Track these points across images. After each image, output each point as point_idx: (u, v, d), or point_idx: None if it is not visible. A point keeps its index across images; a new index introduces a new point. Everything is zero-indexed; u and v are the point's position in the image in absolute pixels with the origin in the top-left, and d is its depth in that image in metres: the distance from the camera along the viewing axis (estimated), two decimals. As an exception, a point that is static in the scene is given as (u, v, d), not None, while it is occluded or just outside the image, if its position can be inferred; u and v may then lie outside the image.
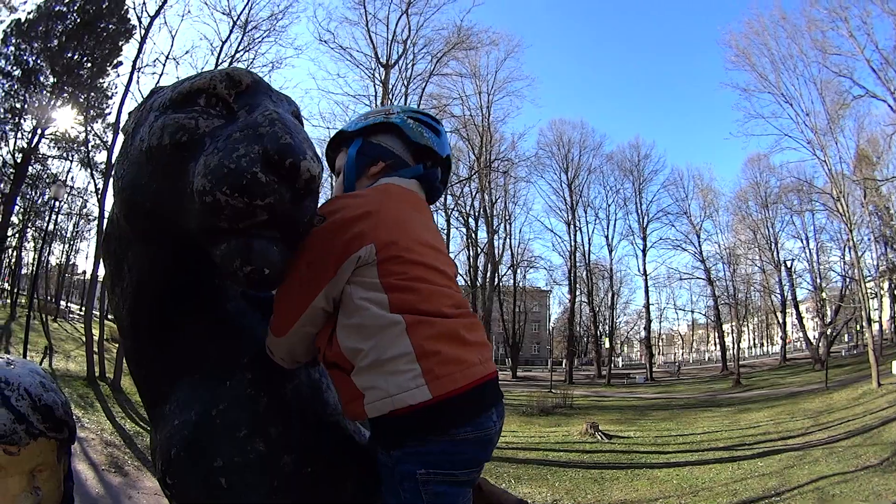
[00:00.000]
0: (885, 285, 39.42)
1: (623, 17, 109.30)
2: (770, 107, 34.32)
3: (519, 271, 53.60)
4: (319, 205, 1.58)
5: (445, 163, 1.93)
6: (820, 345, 39.68)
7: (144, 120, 1.59)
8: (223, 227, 1.33)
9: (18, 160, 29.75)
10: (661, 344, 74.06)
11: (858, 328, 41.72)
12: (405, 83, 30.30)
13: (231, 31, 27.66)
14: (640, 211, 52.74)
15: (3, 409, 1.27)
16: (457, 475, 1.45)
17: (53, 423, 1.36)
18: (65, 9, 30.96)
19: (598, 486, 13.24)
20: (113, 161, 21.43)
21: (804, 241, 45.76)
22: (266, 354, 1.63)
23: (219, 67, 1.75)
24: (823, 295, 43.45)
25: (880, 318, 36.40)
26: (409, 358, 1.42)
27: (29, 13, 30.16)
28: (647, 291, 52.41)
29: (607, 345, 54.28)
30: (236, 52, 27.85)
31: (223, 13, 27.95)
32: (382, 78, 29.71)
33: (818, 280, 44.64)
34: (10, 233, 33.18)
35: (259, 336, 1.65)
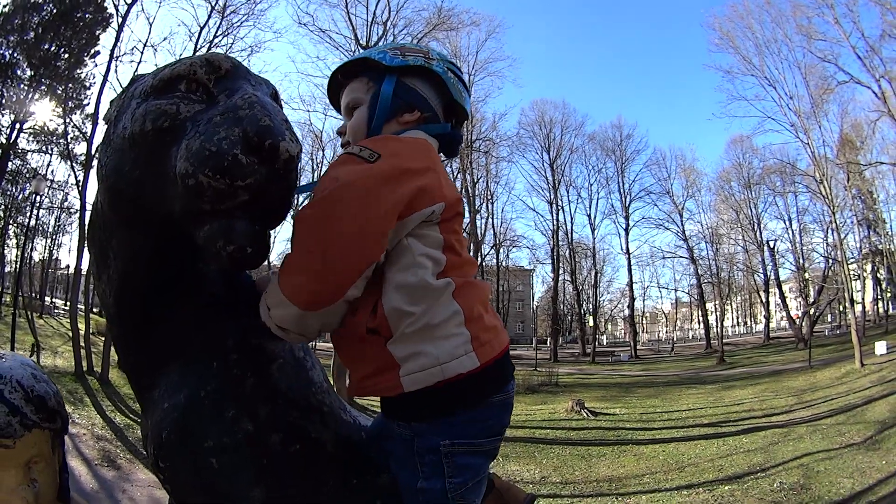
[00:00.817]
0: (868, 268, 39.77)
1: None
2: (753, 89, 34.32)
3: (502, 251, 53.37)
4: (350, 144, 1.62)
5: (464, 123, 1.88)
6: (803, 324, 40.06)
7: (126, 107, 1.60)
8: (206, 209, 1.35)
9: (-2, 156, 29.19)
10: (644, 322, 74.46)
11: (841, 308, 42.20)
12: (385, 65, 29.68)
13: (209, 16, 27.42)
14: (622, 190, 52.92)
15: None
16: (482, 444, 1.44)
17: (47, 414, 1.35)
18: (41, 0, 30.37)
19: (585, 463, 13.29)
20: (94, 151, 21.38)
21: (787, 222, 46.14)
22: (250, 336, 1.65)
23: (198, 53, 1.73)
24: (806, 275, 43.83)
25: (863, 299, 36.75)
26: (458, 321, 1.40)
27: (4, 6, 29.48)
28: (630, 270, 52.76)
29: (591, 323, 54.49)
30: (214, 37, 27.65)
31: None
32: (363, 60, 29.41)
33: (801, 261, 45.07)
34: (-8, 230, 32.78)
35: (242, 319, 1.64)
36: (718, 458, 12.72)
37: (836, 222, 31.22)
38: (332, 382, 1.96)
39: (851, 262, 35.55)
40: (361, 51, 2.05)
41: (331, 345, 1.69)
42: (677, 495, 10.52)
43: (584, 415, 19.56)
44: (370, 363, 1.42)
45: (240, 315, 1.66)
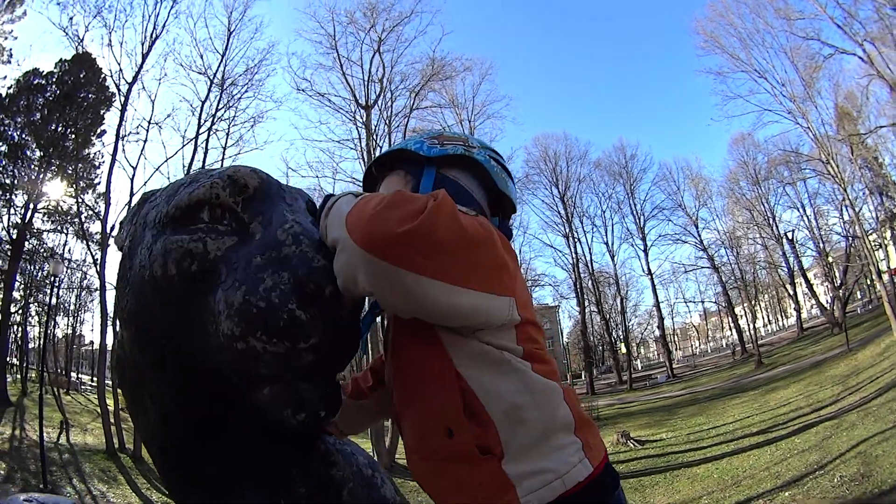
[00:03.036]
0: (888, 234, 39.32)
1: (588, 22, 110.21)
2: (746, 84, 34.29)
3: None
4: None
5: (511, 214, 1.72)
6: (835, 308, 39.61)
7: (141, 238, 1.44)
8: (263, 373, 1.21)
9: (14, 236, 29.77)
10: (676, 339, 73.84)
11: (869, 283, 41.70)
12: (387, 122, 30.26)
13: (209, 90, 28.20)
14: (635, 212, 52.44)
15: None
16: None
17: None
18: (43, 81, 31.26)
19: (639, 495, 13.03)
20: (109, 231, 21.83)
21: (801, 210, 45.50)
22: (314, 463, 1.52)
23: (223, 168, 1.47)
24: (829, 259, 43.43)
25: (889, 267, 36.20)
26: (569, 428, 1.25)
27: (9, 88, 30.50)
28: (654, 290, 52.19)
29: (623, 350, 54.07)
30: (217, 110, 28.28)
31: (199, 73, 28.36)
32: (364, 119, 29.67)
33: (821, 245, 44.43)
34: (13, 309, 33.08)
35: (301, 445, 1.50)
36: (773, 464, 12.47)
37: (848, 198, 31.10)
38: (399, 494, 1.80)
39: (871, 234, 35.20)
40: (396, 142, 1.94)
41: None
42: (737, 511, 10.37)
43: (631, 445, 19.29)
44: (480, 489, 1.20)
45: (298, 441, 1.50)
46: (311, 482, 1.49)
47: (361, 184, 1.77)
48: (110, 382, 26.76)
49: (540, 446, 1.20)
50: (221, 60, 28.31)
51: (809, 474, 11.04)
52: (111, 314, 24.61)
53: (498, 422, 1.19)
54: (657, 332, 56.18)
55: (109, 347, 25.87)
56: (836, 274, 41.44)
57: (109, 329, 24.94)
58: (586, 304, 53.01)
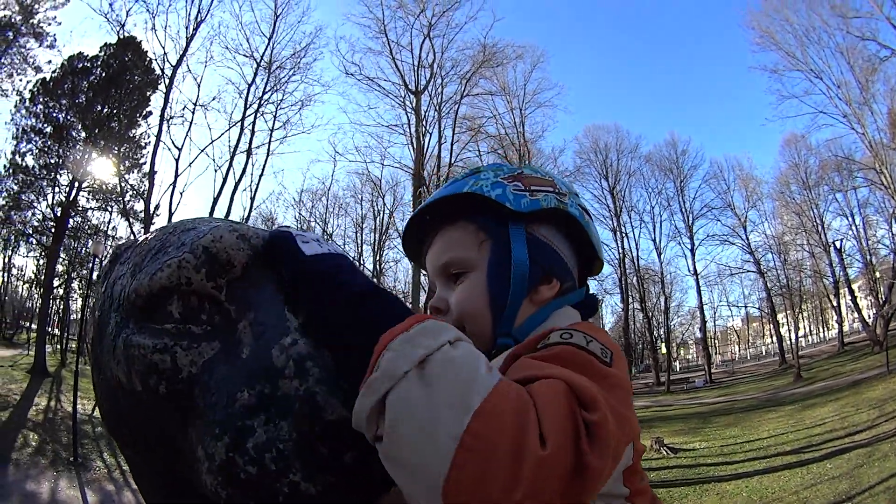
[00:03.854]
0: (938, 253, 38.51)
1: (642, 13, 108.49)
2: (801, 84, 33.81)
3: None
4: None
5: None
6: (877, 325, 38.76)
7: (107, 317, 1.10)
8: None
9: (58, 214, 30.30)
10: (716, 342, 73.06)
11: (915, 302, 40.90)
12: (437, 108, 30.28)
13: (255, 74, 28.46)
14: (684, 210, 51.69)
15: None
16: None
17: None
18: (88, 65, 31.90)
19: (666, 506, 12.95)
20: (152, 209, 21.85)
21: (850, 218, 44.50)
22: None
23: (201, 232, 1.05)
24: (876, 273, 42.55)
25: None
26: None
27: (53, 71, 31.17)
28: (699, 291, 51.42)
29: (664, 350, 53.55)
30: (264, 93, 28.50)
31: (245, 56, 28.60)
32: (414, 105, 29.94)
33: (868, 257, 43.58)
34: (56, 282, 34.00)
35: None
36: (803, 489, 12.33)
37: (899, 210, 30.52)
38: None
39: (919, 251, 34.51)
40: (456, 178, 1.27)
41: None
42: (763, 538, 10.24)
43: (664, 453, 19.23)
44: None
45: None
46: None
47: (402, 236, 1.38)
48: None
49: None
50: (268, 44, 28.62)
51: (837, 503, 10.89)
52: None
53: None
54: (698, 334, 55.68)
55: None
56: (881, 289, 40.60)
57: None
58: (630, 300, 52.69)
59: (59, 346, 37.22)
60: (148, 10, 26.61)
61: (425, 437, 0.67)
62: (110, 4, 27.11)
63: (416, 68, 30.25)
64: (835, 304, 47.98)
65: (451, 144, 30.09)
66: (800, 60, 32.25)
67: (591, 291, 1.31)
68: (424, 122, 29.40)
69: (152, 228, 1.30)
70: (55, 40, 30.87)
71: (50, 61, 31.11)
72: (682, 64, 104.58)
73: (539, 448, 0.65)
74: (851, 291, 45.40)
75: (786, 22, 33.02)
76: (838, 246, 44.76)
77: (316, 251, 0.98)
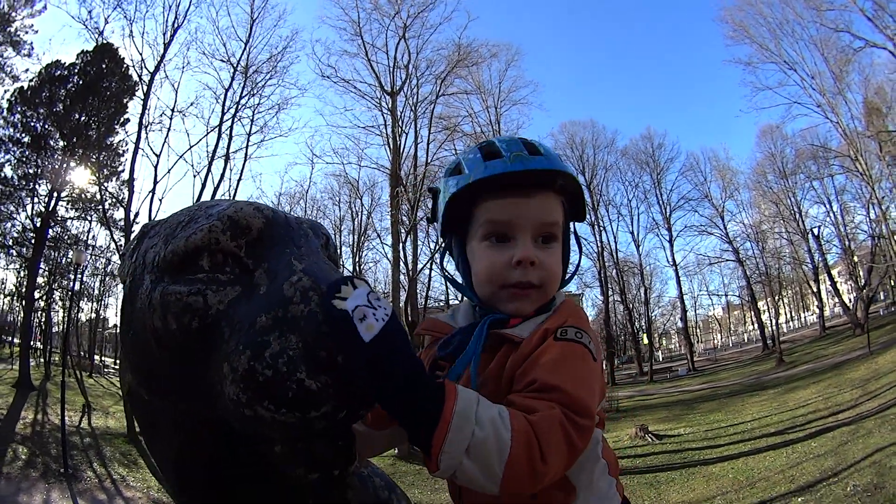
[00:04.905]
0: (915, 235, 38.96)
1: (616, 9, 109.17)
2: (775, 76, 34.32)
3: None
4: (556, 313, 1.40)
5: None
6: (858, 308, 39.26)
7: (140, 279, 1.34)
8: (273, 437, 1.12)
9: (38, 224, 30.24)
10: (698, 331, 73.53)
11: (893, 283, 41.31)
12: (413, 108, 30.43)
13: (233, 78, 28.17)
14: (661, 202, 52.57)
15: None
16: None
17: None
18: (66, 73, 31.72)
19: (654, 491, 13.12)
20: (132, 218, 21.73)
21: (828, 205, 45.01)
22: (332, 490, 1.49)
23: (223, 206, 1.35)
24: (854, 257, 43.01)
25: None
26: (605, 472, 1.45)
27: (31, 80, 30.98)
28: (678, 281, 52.30)
29: (646, 341, 53.97)
30: (240, 97, 28.27)
31: (222, 60, 28.34)
32: (390, 106, 30.14)
33: (847, 242, 44.15)
34: (37, 294, 33.65)
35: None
36: (789, 467, 12.45)
37: (876, 196, 30.98)
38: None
39: (896, 233, 34.90)
40: (551, 152, 1.46)
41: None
42: (750, 514, 10.38)
43: (649, 440, 19.33)
44: None
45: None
46: None
47: (453, 187, 1.43)
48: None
49: (591, 490, 1.39)
50: (245, 48, 28.34)
51: (823, 481, 11.02)
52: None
53: (578, 486, 1.36)
54: (679, 324, 56.31)
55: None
56: (861, 273, 41.04)
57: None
58: (610, 293, 53.13)
59: (42, 360, 37.04)
60: (126, 16, 26.39)
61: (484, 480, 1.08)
62: (89, 12, 27.00)
63: (391, 69, 30.49)
64: (815, 289, 48.53)
65: (428, 144, 30.32)
66: (773, 53, 32.63)
67: None
68: (400, 123, 29.62)
69: (176, 210, 1.46)
70: (32, 48, 30.87)
71: (27, 70, 31.12)
72: (657, 60, 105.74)
73: (542, 466, 1.08)
74: (831, 276, 45.90)
75: (759, 16, 33.40)
76: (816, 233, 45.41)
77: (374, 334, 1.03)
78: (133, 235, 1.56)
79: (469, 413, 1.06)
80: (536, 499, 1.26)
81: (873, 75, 31.52)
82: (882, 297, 47.61)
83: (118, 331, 1.58)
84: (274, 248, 1.28)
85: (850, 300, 43.23)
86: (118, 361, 36.18)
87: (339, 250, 1.41)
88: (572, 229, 1.52)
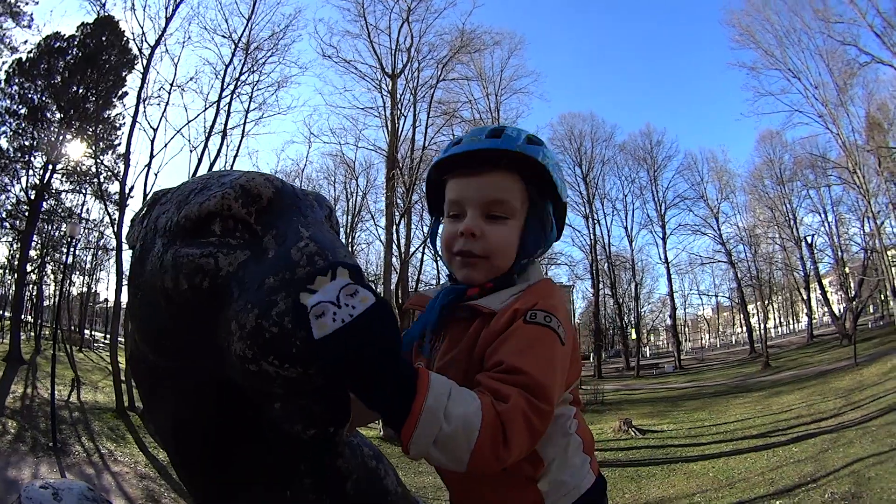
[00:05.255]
0: (908, 253, 39.05)
1: (623, 4, 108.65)
2: (779, 83, 34.05)
3: (541, 269, 52.83)
4: (527, 288, 1.48)
5: None
6: (846, 319, 39.33)
7: (151, 243, 1.41)
8: (276, 392, 1.17)
9: (32, 197, 30.02)
10: (686, 330, 73.56)
11: (883, 298, 41.43)
12: (412, 92, 29.97)
13: (233, 54, 27.75)
14: (656, 199, 52.03)
15: None
16: None
17: None
18: (65, 45, 31.37)
19: (635, 485, 13.21)
20: (127, 191, 21.89)
21: (822, 215, 44.93)
22: (323, 457, 1.60)
23: (235, 176, 1.42)
24: (846, 269, 43.08)
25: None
26: (579, 449, 1.51)
27: (30, 52, 30.63)
28: (669, 279, 51.92)
29: (634, 336, 54.00)
30: (240, 74, 27.89)
31: (224, 36, 27.87)
32: (389, 88, 29.75)
33: (840, 253, 44.05)
34: (29, 268, 33.47)
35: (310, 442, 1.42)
36: (769, 470, 12.56)
37: (871, 210, 30.94)
38: (401, 484, 1.91)
39: (890, 249, 34.88)
40: (513, 133, 1.55)
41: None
42: (728, 514, 10.49)
43: (632, 434, 19.43)
44: (517, 498, 1.46)
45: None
46: (318, 474, 1.58)
47: (428, 174, 1.66)
48: (123, 340, 26.72)
49: (562, 465, 1.45)
50: (247, 25, 27.78)
51: (802, 486, 11.11)
52: (126, 273, 25.05)
53: (547, 460, 1.43)
54: (668, 321, 55.97)
55: (123, 306, 25.96)
56: (851, 285, 41.09)
57: (125, 288, 25.17)
58: (601, 286, 52.72)
59: (32, 334, 37.01)
60: (128, -12, 26.04)
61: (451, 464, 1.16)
62: (92, -18, 26.76)
63: (393, 52, 30.07)
64: (805, 297, 48.50)
65: (426, 128, 30.04)
66: (778, 60, 32.47)
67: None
68: (400, 106, 29.26)
69: (191, 176, 1.59)
70: (32, 20, 30.41)
71: (26, 41, 30.62)
72: (660, 57, 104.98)
73: (505, 452, 1.16)
74: (822, 285, 45.86)
75: (766, 22, 33.21)
76: (810, 241, 45.19)
77: (326, 333, 1.06)
78: (144, 201, 1.66)
79: (438, 409, 1.12)
80: (505, 471, 1.29)
81: (877, 91, 31.47)
82: (871, 310, 47.78)
83: (128, 300, 1.60)
84: (282, 216, 1.35)
85: (839, 310, 43.17)
86: (108, 336, 35.97)
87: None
88: (549, 210, 1.58)
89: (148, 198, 1.64)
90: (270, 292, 1.15)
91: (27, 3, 30.04)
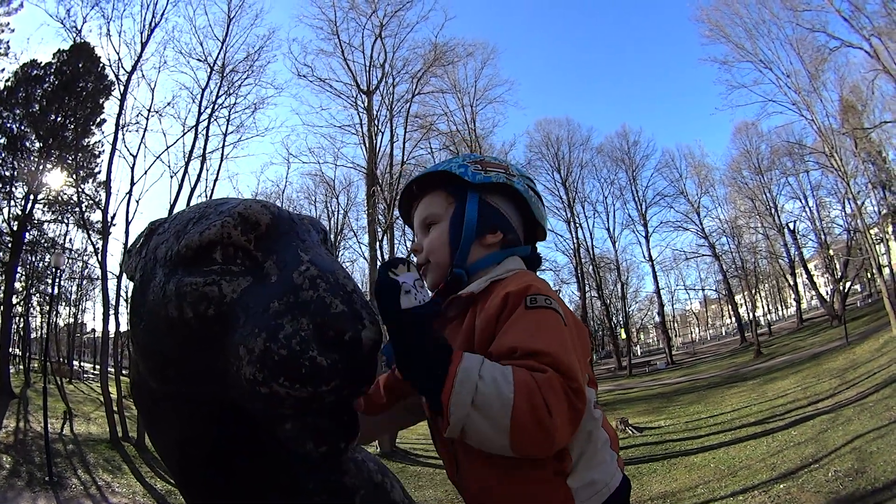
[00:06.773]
0: (889, 229, 39.24)
1: (592, 7, 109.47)
2: (751, 74, 34.48)
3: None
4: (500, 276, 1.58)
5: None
6: (834, 300, 39.64)
7: (152, 274, 1.41)
8: (286, 414, 1.19)
9: (14, 228, 29.92)
10: (676, 326, 73.88)
11: (869, 276, 41.71)
12: (388, 107, 30.19)
13: (209, 78, 27.88)
14: (637, 198, 52.36)
15: None
16: None
17: None
18: (42, 72, 31.31)
19: (637, 483, 13.06)
20: (110, 219, 21.73)
21: (803, 201, 45.47)
22: (329, 475, 1.61)
23: (233, 204, 1.46)
24: (830, 251, 43.39)
25: (889, 262, 36.18)
26: (607, 445, 1.51)
27: (7, 80, 30.53)
28: (655, 277, 52.25)
29: (623, 336, 54.19)
30: (217, 97, 28.03)
31: (199, 60, 28.01)
32: (365, 105, 29.83)
33: (823, 237, 44.49)
34: (15, 300, 33.15)
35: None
36: (770, 456, 12.55)
37: (851, 191, 30.99)
38: (408, 497, 1.92)
39: (872, 228, 35.13)
40: (439, 162, 1.86)
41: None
42: (733, 502, 10.44)
43: (630, 432, 19.37)
44: (546, 496, 1.41)
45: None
46: (326, 492, 1.58)
47: (398, 202, 1.90)
48: (113, 370, 26.87)
49: (591, 462, 1.44)
50: (221, 47, 27.99)
51: (805, 467, 11.12)
52: (112, 302, 24.38)
53: (574, 454, 1.42)
54: (657, 319, 56.17)
55: (111, 335, 25.77)
56: (837, 266, 41.39)
57: (111, 317, 24.83)
58: (587, 289, 52.91)
59: (21, 367, 36.67)
60: (104, 15, 26.06)
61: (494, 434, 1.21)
62: (67, 10, 26.82)
63: (367, 68, 30.18)
64: (792, 282, 48.90)
65: (404, 142, 30.23)
66: (749, 52, 32.60)
67: (538, 252, 1.82)
68: (376, 122, 29.33)
69: (190, 205, 1.59)
70: (9, 48, 30.37)
71: (3, 69, 30.52)
72: (633, 58, 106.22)
73: (549, 418, 1.18)
74: (807, 270, 46.29)
75: (736, 16, 33.33)
76: (792, 227, 45.66)
77: (409, 306, 1.33)
78: (139, 233, 1.67)
79: (472, 370, 1.23)
80: (532, 464, 1.36)
81: (849, 74, 31.63)
82: (859, 290, 48.10)
83: (128, 323, 1.62)
84: (281, 241, 1.37)
85: (826, 293, 43.61)
86: (98, 367, 35.80)
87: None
88: (468, 197, 1.70)
89: (143, 228, 1.67)
90: (276, 316, 1.18)
91: (3, 31, 30.05)
